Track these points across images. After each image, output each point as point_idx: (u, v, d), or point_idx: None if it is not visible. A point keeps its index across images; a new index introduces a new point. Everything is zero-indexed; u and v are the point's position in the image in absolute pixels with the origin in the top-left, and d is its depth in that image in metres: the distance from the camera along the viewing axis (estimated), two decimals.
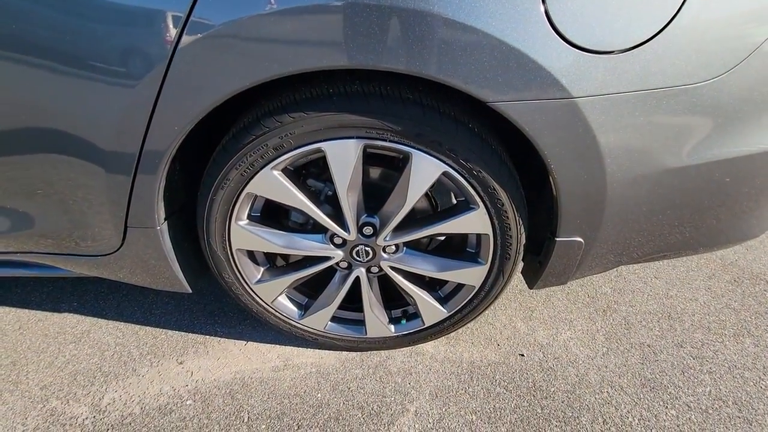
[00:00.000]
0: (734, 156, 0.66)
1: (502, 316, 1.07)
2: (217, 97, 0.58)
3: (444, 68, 0.55)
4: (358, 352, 0.96)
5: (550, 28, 0.52)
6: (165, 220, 0.74)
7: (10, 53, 0.58)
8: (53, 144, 0.64)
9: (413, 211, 0.75)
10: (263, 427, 0.80)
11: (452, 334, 1.00)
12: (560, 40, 0.52)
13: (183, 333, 1.02)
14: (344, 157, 0.65)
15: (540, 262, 0.81)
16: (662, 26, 0.53)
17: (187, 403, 0.85)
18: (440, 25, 0.52)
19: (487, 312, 1.07)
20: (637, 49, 0.54)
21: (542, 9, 0.51)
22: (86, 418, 0.82)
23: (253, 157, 0.65)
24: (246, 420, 0.81)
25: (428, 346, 0.98)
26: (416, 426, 0.81)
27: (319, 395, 0.86)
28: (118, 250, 0.78)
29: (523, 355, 0.96)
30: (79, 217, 0.73)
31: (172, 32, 0.54)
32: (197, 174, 0.75)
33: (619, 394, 0.87)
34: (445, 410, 0.83)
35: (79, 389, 0.88)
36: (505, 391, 0.87)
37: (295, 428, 0.80)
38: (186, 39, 0.54)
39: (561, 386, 0.88)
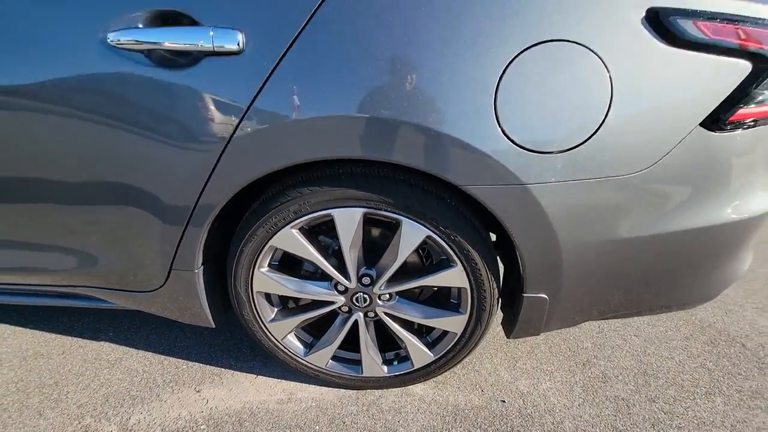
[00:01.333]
0: (666, 232, 0.80)
1: (488, 364, 1.17)
2: (262, 171, 0.76)
3: (427, 160, 0.72)
4: (355, 390, 1.07)
5: (503, 135, 0.69)
6: (201, 265, 0.90)
7: (107, 121, 0.77)
8: (127, 196, 0.83)
9: (405, 266, 0.90)
10: None
11: (440, 377, 1.10)
12: (510, 142, 0.70)
13: (202, 365, 1.15)
14: (348, 222, 0.82)
15: (514, 314, 0.93)
16: (589, 135, 0.70)
17: (201, 427, 0.97)
18: (421, 131, 0.70)
19: (473, 359, 1.17)
20: (570, 150, 0.71)
21: (496, 122, 0.69)
22: None
23: (277, 219, 0.83)
24: None
25: (417, 388, 1.08)
26: None
27: (317, 427, 0.97)
28: (160, 288, 0.94)
29: (504, 402, 1.05)
30: (135, 259, 0.90)
31: (235, 118, 0.73)
32: (228, 229, 0.92)
33: None
34: None
35: (110, 409, 1.00)
36: None
37: None
38: (245, 123, 0.73)
39: None
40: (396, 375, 1.03)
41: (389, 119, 0.69)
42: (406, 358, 1.02)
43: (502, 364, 1.17)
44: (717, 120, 0.73)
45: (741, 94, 0.72)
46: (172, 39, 0.67)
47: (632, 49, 0.68)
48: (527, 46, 0.66)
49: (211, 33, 0.66)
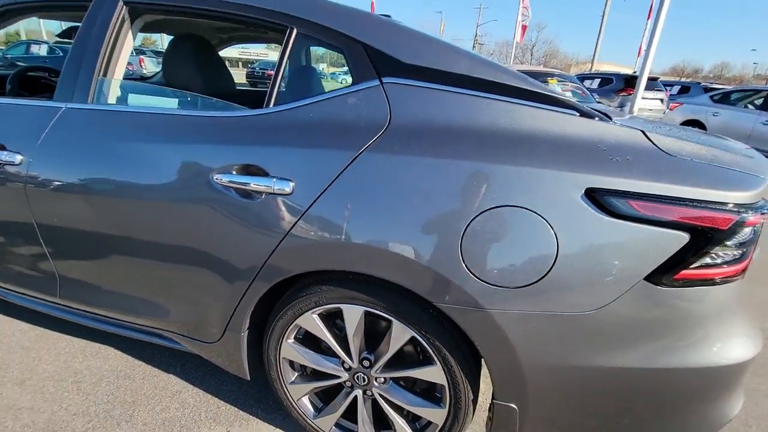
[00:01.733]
0: (621, 367, 0.91)
1: None
2: (295, 271, 1.05)
3: (411, 281, 0.95)
4: None
5: (466, 269, 0.90)
6: (247, 329, 1.20)
7: (206, 225, 1.13)
8: (205, 274, 1.17)
9: (400, 355, 1.09)
10: None
11: None
12: (472, 275, 0.90)
13: (237, 409, 1.41)
14: (353, 316, 1.06)
15: (490, 419, 1.06)
16: (538, 278, 0.88)
17: None
18: (407, 260, 0.94)
19: None
20: (523, 288, 0.89)
21: (461, 259, 0.90)
22: None
23: (302, 305, 1.10)
24: None
25: None
26: None
27: None
28: (216, 342, 1.25)
29: None
30: (203, 318, 1.23)
31: (281, 234, 1.03)
32: (269, 305, 1.20)
33: None
34: None
35: None
36: None
37: None
38: (287, 239, 1.03)
39: None
40: None
41: (384, 249, 0.95)
42: None
43: None
44: (662, 277, 0.86)
45: (681, 258, 0.85)
46: (252, 182, 1.03)
47: (575, 216, 0.87)
48: (486, 208, 0.89)
49: (274, 181, 1.00)
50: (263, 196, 1.03)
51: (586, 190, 0.86)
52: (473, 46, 49.66)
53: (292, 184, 1.00)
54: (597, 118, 0.97)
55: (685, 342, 0.90)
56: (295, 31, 1.11)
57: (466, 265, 0.90)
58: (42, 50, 11.24)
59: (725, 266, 0.87)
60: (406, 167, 0.95)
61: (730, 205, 0.84)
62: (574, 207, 0.86)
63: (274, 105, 1.10)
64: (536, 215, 0.87)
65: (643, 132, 0.96)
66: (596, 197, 0.86)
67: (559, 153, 0.91)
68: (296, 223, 1.01)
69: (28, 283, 1.48)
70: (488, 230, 0.89)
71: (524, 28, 21.93)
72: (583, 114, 0.97)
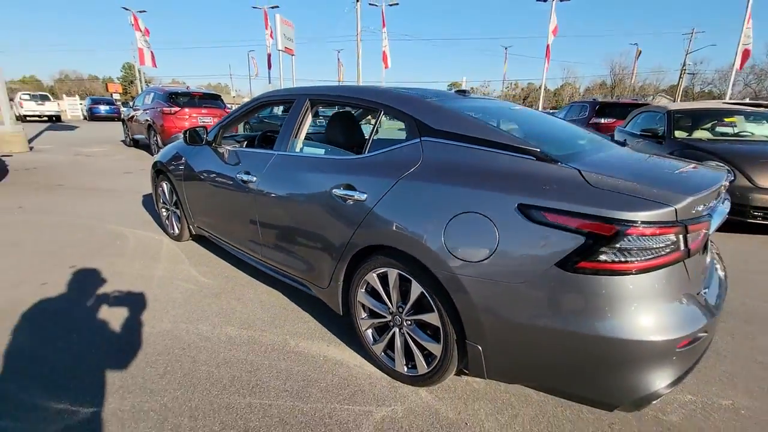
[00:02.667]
0: (547, 327, 1.34)
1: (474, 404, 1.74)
2: (367, 243, 1.84)
3: (418, 253, 1.61)
4: (388, 376, 1.90)
5: (446, 248, 1.52)
6: (341, 281, 2.03)
7: (323, 216, 2.04)
8: (324, 240, 2.06)
9: (416, 306, 1.73)
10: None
11: (436, 387, 1.78)
12: (449, 253, 1.51)
13: (332, 335, 2.24)
14: (392, 276, 1.76)
15: (466, 357, 1.59)
16: (486, 257, 1.42)
17: (325, 356, 2.03)
18: (416, 242, 1.61)
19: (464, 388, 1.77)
20: (478, 262, 1.45)
21: (443, 241, 1.52)
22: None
23: (367, 268, 1.85)
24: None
25: (423, 391, 1.80)
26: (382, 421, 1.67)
27: (364, 385, 1.86)
28: (326, 288, 2.12)
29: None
30: (320, 273, 2.12)
31: (357, 224, 1.83)
32: (352, 267, 2.00)
33: None
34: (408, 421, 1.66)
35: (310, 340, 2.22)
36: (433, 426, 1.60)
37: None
38: (360, 228, 1.82)
39: None
40: (409, 375, 1.81)
41: (407, 234, 1.64)
42: (415, 367, 1.79)
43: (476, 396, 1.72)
44: (567, 264, 1.30)
45: (579, 252, 1.28)
46: (348, 193, 1.89)
47: (510, 221, 1.39)
48: (457, 213, 1.50)
49: (357, 193, 1.83)
50: (352, 202, 1.87)
51: (518, 205, 1.39)
52: (680, 76, 42.45)
53: (365, 195, 1.81)
54: (549, 162, 1.46)
55: (588, 314, 1.28)
56: (381, 110, 1.96)
57: (446, 246, 1.52)
58: (277, 110, 15.58)
59: (617, 263, 1.24)
60: (423, 188, 1.64)
61: (616, 219, 1.23)
62: (510, 215, 1.40)
63: (366, 152, 1.95)
64: (487, 219, 1.44)
65: (579, 171, 1.40)
66: (523, 210, 1.37)
67: (509, 183, 1.45)
68: (366, 216, 1.80)
69: (247, 246, 2.69)
70: (460, 226, 1.50)
71: (746, 52, 18.19)
72: (539, 158, 1.48)
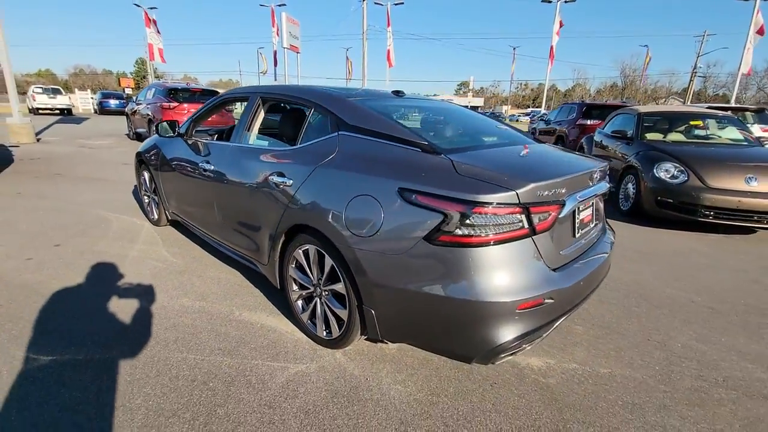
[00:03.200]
0: (419, 291, 1.60)
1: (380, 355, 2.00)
2: (292, 223, 2.11)
3: (327, 231, 1.88)
4: (311, 340, 2.17)
5: (346, 226, 1.78)
6: (277, 258, 2.30)
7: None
8: (262, 220, 2.33)
9: (329, 277, 1.99)
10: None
11: (350, 349, 2.05)
12: (347, 229, 1.77)
13: (273, 306, 2.51)
14: (312, 252, 2.03)
15: (363, 321, 1.84)
16: (374, 233, 1.68)
17: (262, 324, 2.30)
18: (324, 221, 1.87)
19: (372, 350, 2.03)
20: (368, 237, 1.71)
21: (344, 219, 1.78)
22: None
23: (295, 245, 2.12)
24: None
25: (338, 353, 2.06)
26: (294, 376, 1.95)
27: (293, 348, 2.13)
28: (266, 264, 2.39)
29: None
30: (260, 251, 2.40)
31: (284, 207, 2.12)
32: (285, 245, 2.27)
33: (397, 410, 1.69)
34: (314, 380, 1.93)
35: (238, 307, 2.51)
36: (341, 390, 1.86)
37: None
38: (287, 210, 2.11)
39: (358, 394, 1.78)
40: (326, 339, 2.08)
41: (319, 214, 1.90)
42: (331, 331, 2.05)
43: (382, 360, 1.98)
44: (431, 237, 1.55)
45: (439, 227, 1.53)
46: (279, 180, 2.16)
47: (392, 202, 1.65)
48: (355, 195, 1.76)
49: (285, 179, 2.10)
50: (282, 187, 2.14)
51: (398, 188, 1.64)
52: (691, 78, 41.96)
53: (291, 181, 2.08)
54: (431, 153, 1.72)
55: (446, 280, 1.54)
56: (312, 107, 2.22)
57: (346, 224, 1.78)
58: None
59: (467, 237, 1.49)
60: (333, 174, 1.91)
61: (465, 200, 1.48)
62: (392, 197, 1.65)
63: (297, 144, 2.22)
64: (376, 200, 1.70)
65: (452, 161, 1.65)
66: (401, 192, 1.63)
67: (394, 170, 1.71)
68: (291, 200, 2.07)
69: (209, 228, 2.98)
70: (356, 206, 1.76)
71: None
72: (424, 150, 1.73)
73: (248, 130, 2.64)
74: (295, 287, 2.26)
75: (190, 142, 3.12)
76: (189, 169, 3.02)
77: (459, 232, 1.50)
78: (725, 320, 2.58)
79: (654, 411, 1.75)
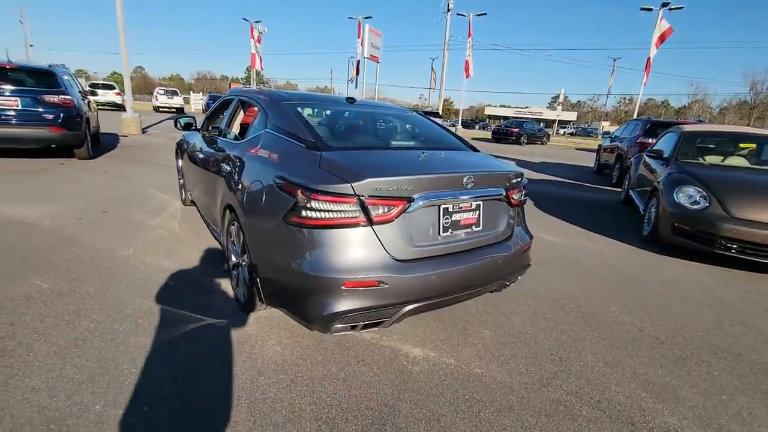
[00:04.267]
0: (281, 264, 1.90)
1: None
2: (226, 203, 2.55)
3: (238, 210, 2.26)
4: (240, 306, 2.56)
5: (243, 204, 2.14)
6: (225, 234, 2.74)
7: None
8: (217, 201, 2.80)
9: (242, 250, 2.36)
10: None
11: (262, 315, 2.39)
12: (245, 207, 2.12)
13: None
14: (235, 227, 2.43)
15: (256, 285, 2.18)
16: (260, 208, 2.02)
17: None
18: (239, 197, 2.25)
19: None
20: (255, 214, 2.04)
21: (243, 201, 2.14)
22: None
23: (228, 221, 2.55)
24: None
25: (252, 316, 2.42)
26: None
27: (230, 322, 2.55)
28: (221, 235, 2.85)
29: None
30: (218, 222, 2.86)
31: (229, 180, 2.55)
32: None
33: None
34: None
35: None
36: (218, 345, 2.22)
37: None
38: (228, 183, 2.54)
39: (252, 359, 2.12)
40: (243, 303, 2.45)
41: (233, 195, 2.29)
42: (246, 296, 2.42)
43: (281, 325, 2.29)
44: (285, 219, 1.84)
45: (291, 210, 1.81)
46: (225, 167, 2.61)
47: (272, 188, 1.97)
48: (253, 181, 2.11)
49: (229, 166, 2.53)
50: (224, 172, 2.58)
51: (274, 176, 1.96)
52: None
53: (229, 168, 2.50)
54: (313, 149, 2.00)
55: (294, 254, 1.81)
56: (258, 107, 2.63)
57: (245, 204, 2.14)
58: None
59: (308, 219, 1.75)
60: (249, 163, 2.29)
61: (307, 188, 1.75)
62: (272, 183, 1.97)
63: (244, 138, 2.64)
64: (262, 185, 2.04)
65: (321, 156, 1.92)
66: (276, 179, 1.94)
67: (280, 161, 2.04)
68: (227, 182, 2.49)
69: (201, 207, 3.55)
70: (252, 190, 2.11)
71: None
72: (308, 147, 2.03)
73: (229, 127, 3.15)
74: (232, 258, 2.67)
75: (201, 135, 3.76)
76: (193, 158, 3.65)
77: (303, 214, 1.77)
78: (660, 351, 2.40)
79: (494, 411, 1.81)
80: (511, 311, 2.75)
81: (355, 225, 1.76)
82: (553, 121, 50.88)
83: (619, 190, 8.05)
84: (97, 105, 24.57)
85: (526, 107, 72.79)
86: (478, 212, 2.12)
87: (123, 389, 1.76)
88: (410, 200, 1.82)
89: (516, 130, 21.69)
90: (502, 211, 2.25)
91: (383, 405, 1.79)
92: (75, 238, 3.47)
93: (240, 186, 2.26)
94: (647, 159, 5.73)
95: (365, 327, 1.86)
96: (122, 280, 2.78)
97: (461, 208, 2.04)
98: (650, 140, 7.95)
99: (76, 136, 6.54)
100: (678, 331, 2.67)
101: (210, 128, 3.93)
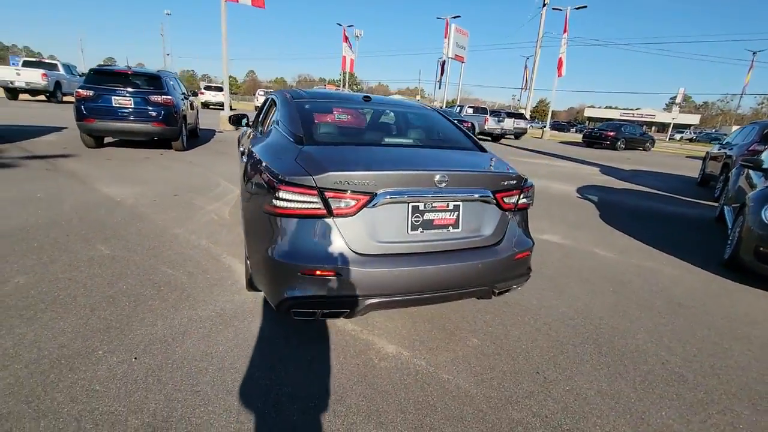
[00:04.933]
0: (259, 249, 2.07)
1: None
2: None
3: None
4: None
5: (245, 185, 2.34)
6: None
7: None
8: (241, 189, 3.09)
9: None
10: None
11: (258, 295, 2.61)
12: (245, 188, 2.33)
13: None
14: None
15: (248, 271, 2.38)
16: (249, 196, 2.21)
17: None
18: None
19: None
20: (246, 201, 2.24)
21: (245, 180, 2.35)
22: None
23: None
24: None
25: (250, 293, 2.65)
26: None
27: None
28: None
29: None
30: None
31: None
32: None
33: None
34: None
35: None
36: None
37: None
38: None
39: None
40: (247, 282, 2.69)
41: (244, 181, 2.53)
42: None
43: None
44: (262, 206, 1.99)
45: (269, 200, 1.96)
46: (250, 155, 2.87)
47: (261, 176, 2.14)
48: (253, 170, 2.31)
49: (247, 155, 2.79)
50: (244, 162, 2.83)
51: (263, 166, 2.13)
52: None
53: (246, 159, 2.75)
54: (297, 143, 2.13)
55: (267, 240, 1.95)
56: (277, 106, 2.84)
57: (245, 189, 2.35)
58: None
59: (277, 208, 1.87)
60: (256, 150, 2.50)
61: (277, 178, 1.88)
62: (261, 173, 2.14)
63: (265, 133, 2.88)
64: (257, 173, 2.22)
65: (301, 151, 2.04)
66: (263, 170, 2.11)
67: (272, 153, 2.21)
68: (244, 170, 2.75)
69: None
70: (251, 177, 2.31)
71: None
72: (295, 141, 2.16)
73: (261, 123, 3.45)
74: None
75: (249, 131, 4.16)
76: (242, 150, 4.05)
77: (273, 203, 1.90)
78: (677, 390, 2.05)
79: (442, 418, 1.75)
80: (512, 322, 2.58)
81: (316, 216, 1.83)
82: (668, 125, 44.64)
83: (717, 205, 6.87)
84: (209, 104, 28.70)
85: (637, 109, 65.02)
86: (456, 213, 2.05)
87: (125, 341, 2.08)
88: (373, 195, 1.84)
89: (612, 133, 19.53)
90: (490, 214, 2.14)
91: (335, 392, 1.85)
92: (144, 215, 4.10)
93: (244, 178, 2.49)
94: (748, 170, 4.82)
95: (325, 316, 1.93)
96: (163, 253, 3.22)
97: (435, 207, 1.99)
98: (763, 147, 6.63)
99: (173, 131, 7.62)
100: (714, 371, 2.25)
101: (254, 124, 4.33)
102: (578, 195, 7.31)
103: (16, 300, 2.37)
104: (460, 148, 2.53)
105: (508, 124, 19.64)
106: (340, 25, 32.01)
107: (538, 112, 74.18)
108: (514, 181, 2.17)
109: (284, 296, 1.87)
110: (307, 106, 2.64)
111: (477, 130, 19.08)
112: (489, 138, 20.56)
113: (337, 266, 1.82)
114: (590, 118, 65.10)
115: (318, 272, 1.82)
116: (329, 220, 1.85)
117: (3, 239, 3.21)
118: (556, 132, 45.15)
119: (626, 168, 12.56)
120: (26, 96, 18.91)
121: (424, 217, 1.98)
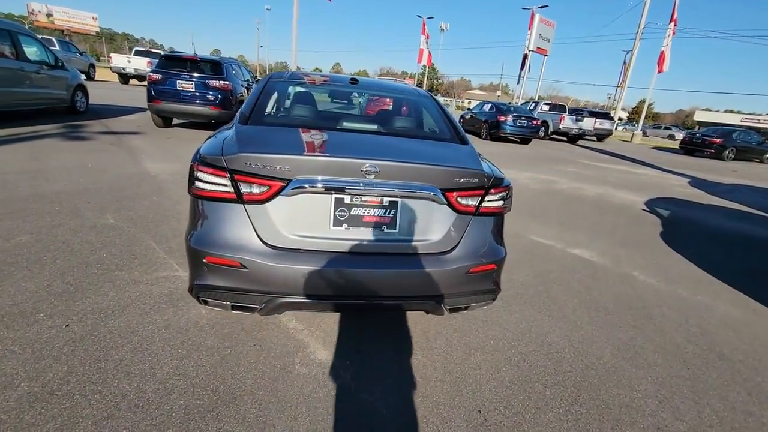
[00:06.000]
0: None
1: None
2: None
3: None
4: None
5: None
6: None
7: None
8: None
9: None
10: None
11: None
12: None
13: None
14: None
15: None
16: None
17: None
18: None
19: None
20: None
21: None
22: None
23: None
24: None
25: None
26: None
27: None
28: None
29: None
30: None
31: None
32: None
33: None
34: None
35: None
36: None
37: None
38: None
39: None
40: None
41: None
42: None
43: None
44: (190, 187, 1.90)
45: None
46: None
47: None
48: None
49: None
50: None
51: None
52: None
53: None
54: (244, 124, 1.99)
55: (190, 224, 1.85)
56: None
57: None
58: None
59: (197, 189, 1.75)
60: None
61: (197, 157, 1.75)
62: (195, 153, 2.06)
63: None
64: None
65: (236, 130, 1.90)
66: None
67: (218, 134, 2.09)
68: None
69: None
70: None
71: None
72: (241, 120, 2.03)
73: None
74: None
75: None
76: None
77: (193, 184, 1.79)
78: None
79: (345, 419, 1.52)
80: (479, 346, 2.21)
81: (226, 200, 1.68)
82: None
83: None
84: None
85: (765, 114, 55.12)
86: (393, 211, 1.76)
87: (70, 307, 2.15)
88: (287, 182, 1.64)
89: (718, 140, 16.66)
90: (439, 217, 1.80)
91: (230, 392, 1.70)
92: (165, 190, 4.33)
93: None
94: None
95: (235, 308, 1.78)
96: (160, 228, 3.34)
97: (366, 202, 1.73)
98: None
99: (228, 114, 8.05)
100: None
101: None
102: (645, 208, 6.29)
103: (7, 256, 2.58)
104: (432, 138, 2.20)
105: (588, 124, 17.69)
106: (420, 17, 31.64)
107: (638, 113, 66.38)
108: (475, 179, 1.81)
109: (193, 283, 1.76)
110: (277, 88, 2.50)
111: (551, 129, 17.57)
112: (564, 138, 18.85)
113: (243, 257, 1.65)
114: (700, 123, 56.73)
115: (222, 261, 1.67)
116: (239, 206, 1.68)
117: (37, 200, 3.58)
118: (654, 137, 40.19)
119: (726, 181, 10.61)
120: (135, 81, 21.62)
121: (351, 212, 1.73)
